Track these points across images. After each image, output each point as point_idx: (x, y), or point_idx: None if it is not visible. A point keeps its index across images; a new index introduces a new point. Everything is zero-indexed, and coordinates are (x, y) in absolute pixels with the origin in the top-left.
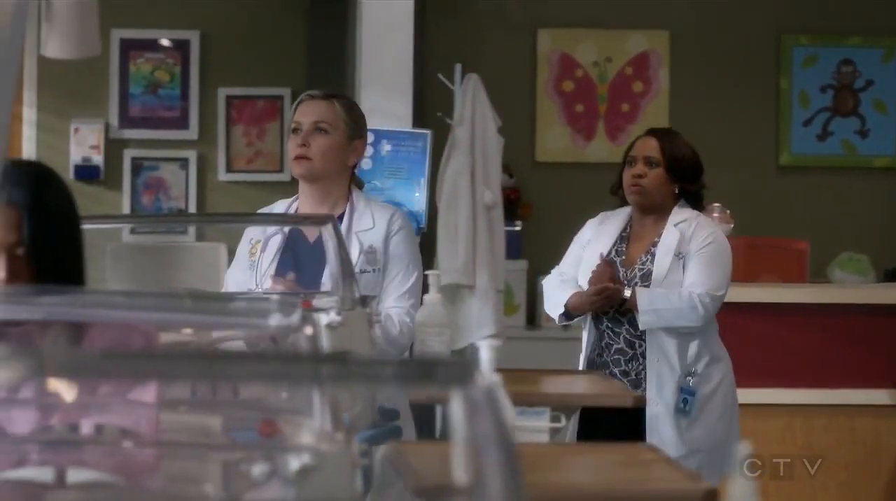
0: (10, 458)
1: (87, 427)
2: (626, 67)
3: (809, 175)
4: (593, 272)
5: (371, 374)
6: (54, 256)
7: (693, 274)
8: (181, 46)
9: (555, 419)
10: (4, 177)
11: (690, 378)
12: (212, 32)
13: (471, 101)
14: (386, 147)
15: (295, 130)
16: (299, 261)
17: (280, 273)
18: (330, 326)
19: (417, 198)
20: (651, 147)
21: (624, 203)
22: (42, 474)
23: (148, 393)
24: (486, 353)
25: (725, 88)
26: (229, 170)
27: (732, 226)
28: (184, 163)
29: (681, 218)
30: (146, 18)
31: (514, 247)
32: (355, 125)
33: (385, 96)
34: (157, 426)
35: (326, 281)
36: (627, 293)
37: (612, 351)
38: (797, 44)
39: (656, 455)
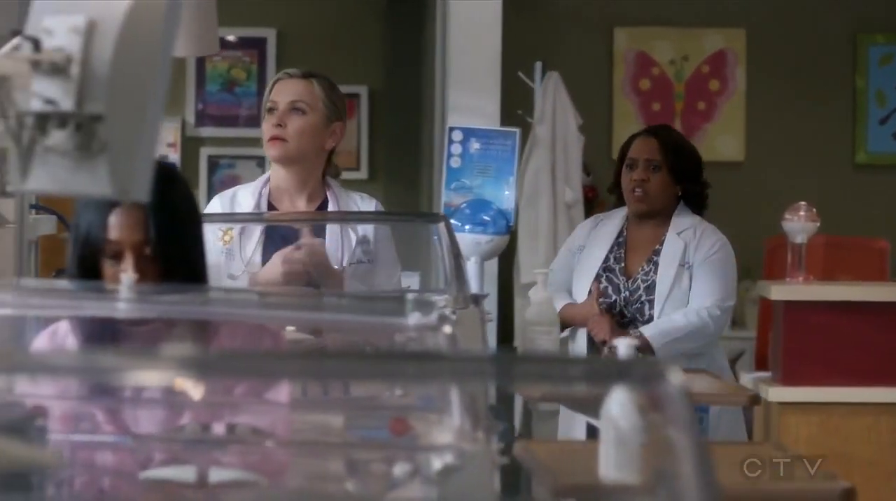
0: (140, 458)
1: (218, 427)
2: (703, 66)
3: (886, 174)
4: (594, 323)
5: (561, 374)
6: (181, 255)
7: (701, 285)
8: (258, 44)
9: None
10: None
11: None
12: (288, 30)
13: (551, 100)
14: (475, 145)
15: (270, 110)
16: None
17: (267, 258)
18: None
19: (507, 197)
20: (651, 148)
21: (620, 203)
22: (184, 473)
23: (281, 393)
24: (623, 351)
25: (802, 87)
26: None
27: (818, 224)
28: (260, 161)
29: (683, 226)
30: (223, 16)
31: None
32: (334, 106)
33: (473, 94)
34: (290, 426)
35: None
36: (637, 332)
37: None
38: (873, 43)
39: (784, 452)
